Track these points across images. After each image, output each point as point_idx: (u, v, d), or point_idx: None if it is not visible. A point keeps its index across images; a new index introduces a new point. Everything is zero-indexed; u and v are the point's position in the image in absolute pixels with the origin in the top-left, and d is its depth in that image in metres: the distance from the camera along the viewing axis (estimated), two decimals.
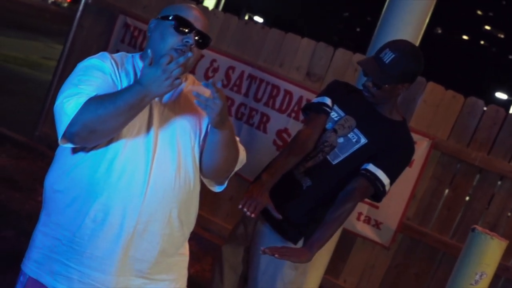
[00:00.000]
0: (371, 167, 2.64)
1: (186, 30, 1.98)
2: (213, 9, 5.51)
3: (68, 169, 1.96)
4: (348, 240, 4.46)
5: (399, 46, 2.63)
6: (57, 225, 1.97)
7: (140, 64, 2.05)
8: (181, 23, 1.98)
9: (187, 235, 2.17)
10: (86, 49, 5.78)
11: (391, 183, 2.68)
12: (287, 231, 2.73)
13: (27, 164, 5.43)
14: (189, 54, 1.78)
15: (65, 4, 37.90)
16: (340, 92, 2.81)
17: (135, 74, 2.02)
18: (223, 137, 1.97)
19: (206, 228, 5.04)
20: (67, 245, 1.94)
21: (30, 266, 2.01)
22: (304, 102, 4.64)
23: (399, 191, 4.14)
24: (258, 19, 29.30)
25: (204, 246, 4.80)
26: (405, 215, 4.35)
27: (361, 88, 2.76)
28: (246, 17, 24.48)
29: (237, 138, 2.14)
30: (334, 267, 4.40)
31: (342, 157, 2.69)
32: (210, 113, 1.87)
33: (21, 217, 4.30)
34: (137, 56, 2.09)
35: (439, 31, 44.77)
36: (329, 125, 2.75)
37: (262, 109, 4.83)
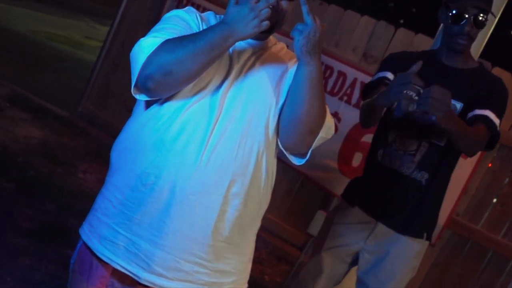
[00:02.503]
0: (477, 111, 2.42)
1: None
2: None
3: (134, 128, 1.84)
4: None
5: None
6: (113, 185, 1.83)
7: None
8: None
9: (253, 223, 1.92)
10: (135, 24, 5.68)
11: (500, 123, 2.47)
12: (415, 231, 2.60)
13: (68, 140, 5.36)
14: None
15: None
16: (403, 63, 2.50)
17: None
18: (307, 74, 1.74)
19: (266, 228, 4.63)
20: (118, 208, 1.79)
21: (85, 229, 1.88)
22: (357, 85, 4.43)
23: (451, 185, 3.90)
24: None
25: (265, 246, 4.62)
26: (455, 211, 4.07)
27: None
28: None
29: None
30: None
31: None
32: (297, 35, 1.72)
33: (63, 191, 4.23)
34: None
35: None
36: (411, 107, 2.46)
37: None
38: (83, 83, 6.14)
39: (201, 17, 1.89)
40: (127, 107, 5.35)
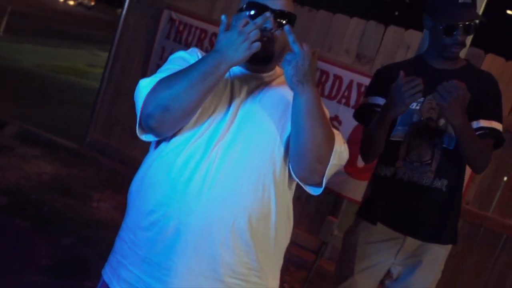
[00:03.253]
0: (483, 122, 2.47)
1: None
2: None
3: (143, 168, 1.86)
4: None
5: None
6: (127, 226, 1.86)
7: None
8: (256, 9, 1.79)
9: (269, 260, 1.85)
10: (132, 48, 5.80)
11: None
12: (445, 238, 2.61)
13: (79, 171, 5.45)
14: (267, 14, 1.67)
15: (92, 3, 38.52)
16: (392, 79, 2.45)
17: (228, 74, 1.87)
18: (303, 104, 1.70)
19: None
20: (131, 248, 1.81)
21: (106, 270, 1.91)
22: (354, 86, 4.50)
23: None
24: None
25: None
26: (464, 200, 4.10)
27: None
28: None
29: (336, 132, 1.83)
30: None
31: (454, 135, 2.47)
32: (286, 66, 1.69)
33: (78, 223, 4.29)
34: None
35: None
36: (415, 118, 2.53)
37: None
38: (89, 111, 6.26)
39: (202, 54, 1.89)
40: (133, 133, 5.40)
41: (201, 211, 1.70)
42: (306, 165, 1.76)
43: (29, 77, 10.14)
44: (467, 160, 2.50)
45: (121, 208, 4.58)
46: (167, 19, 5.51)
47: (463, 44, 2.45)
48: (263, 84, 1.87)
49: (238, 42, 1.63)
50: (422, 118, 2.52)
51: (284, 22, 1.80)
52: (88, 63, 13.56)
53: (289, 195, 1.87)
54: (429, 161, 2.52)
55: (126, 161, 5.62)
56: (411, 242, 2.60)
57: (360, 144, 2.65)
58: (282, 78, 1.89)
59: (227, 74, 1.82)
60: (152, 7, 5.68)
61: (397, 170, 2.56)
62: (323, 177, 1.78)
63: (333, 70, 4.65)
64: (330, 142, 1.75)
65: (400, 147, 2.55)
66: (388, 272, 2.68)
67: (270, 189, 1.77)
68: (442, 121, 2.49)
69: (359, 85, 4.48)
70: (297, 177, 1.82)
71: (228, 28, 1.68)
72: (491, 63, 4.18)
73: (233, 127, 1.77)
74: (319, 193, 1.85)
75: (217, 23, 5.19)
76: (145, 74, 5.55)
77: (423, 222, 2.56)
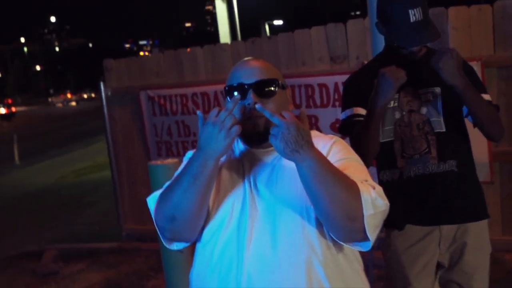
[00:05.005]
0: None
1: (241, 96, 1.74)
2: (218, 44, 5.47)
3: (194, 259, 1.85)
4: None
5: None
6: None
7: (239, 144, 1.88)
8: (234, 91, 1.77)
9: None
10: (127, 136, 5.95)
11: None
12: (476, 213, 2.58)
13: (127, 266, 5.51)
14: (237, 95, 1.66)
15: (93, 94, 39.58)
16: (365, 89, 2.50)
17: (239, 156, 1.85)
18: (307, 171, 1.59)
19: None
20: None
21: None
22: (340, 87, 4.51)
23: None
24: (278, 22, 29.05)
25: None
26: (491, 142, 4.03)
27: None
28: (266, 27, 24.34)
29: (359, 176, 1.69)
30: None
31: (442, 118, 2.50)
32: (273, 141, 1.59)
33: None
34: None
35: None
36: (397, 115, 2.54)
37: (306, 111, 4.69)
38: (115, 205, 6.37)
39: None
40: None
41: None
42: (340, 227, 1.64)
43: (56, 193, 10.38)
44: (482, 126, 2.47)
45: None
46: (146, 99, 5.65)
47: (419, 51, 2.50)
48: (276, 159, 1.78)
49: (216, 133, 1.61)
50: (404, 113, 2.52)
51: (266, 90, 1.77)
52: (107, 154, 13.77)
53: (345, 263, 1.75)
54: (427, 149, 2.51)
55: None
56: (447, 229, 2.57)
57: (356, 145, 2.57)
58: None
59: (238, 156, 1.83)
60: (128, 94, 5.83)
61: (401, 170, 2.55)
62: (365, 231, 1.62)
63: (315, 80, 4.69)
64: (352, 196, 1.60)
65: (394, 146, 2.55)
66: (438, 264, 2.63)
67: (311, 262, 1.68)
68: (424, 109, 2.50)
69: (344, 84, 4.46)
70: (340, 240, 1.69)
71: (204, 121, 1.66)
72: (456, 16, 4.19)
73: (256, 216, 1.71)
74: (369, 248, 1.68)
75: (189, 84, 5.32)
76: (149, 157, 5.69)
77: (449, 208, 2.52)
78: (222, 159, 1.76)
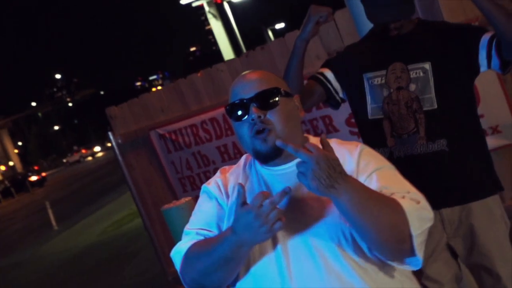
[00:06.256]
0: (486, 35, 2.34)
1: (244, 112, 1.69)
2: (214, 66, 5.34)
3: None
4: None
5: None
6: None
7: (258, 167, 1.78)
8: (236, 110, 1.71)
9: None
10: (148, 179, 5.84)
11: None
12: (477, 191, 2.45)
13: None
14: (286, 188, 1.48)
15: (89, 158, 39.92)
16: (343, 59, 2.63)
17: (257, 180, 1.77)
18: (347, 204, 1.49)
19: None
20: None
21: None
22: None
23: (488, 84, 3.69)
24: (280, 25, 29.27)
25: None
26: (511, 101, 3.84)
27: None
28: (270, 33, 24.46)
29: (406, 188, 1.65)
30: None
31: (432, 94, 2.39)
32: (304, 181, 1.47)
33: None
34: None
35: None
36: (385, 92, 2.46)
37: (318, 114, 4.53)
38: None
39: (222, 181, 1.81)
40: None
41: None
42: (391, 251, 1.58)
43: (97, 250, 10.35)
44: (500, 27, 2.19)
45: None
46: (158, 138, 5.54)
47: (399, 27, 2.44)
48: (294, 177, 1.62)
49: (256, 226, 1.47)
50: (391, 90, 2.44)
51: (267, 101, 1.69)
52: None
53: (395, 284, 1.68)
54: (415, 129, 2.42)
55: None
56: (448, 212, 2.46)
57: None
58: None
59: (259, 179, 1.77)
60: (138, 137, 5.75)
61: (392, 149, 2.47)
62: (415, 249, 1.56)
63: None
64: (398, 219, 1.52)
65: (383, 124, 2.48)
66: (451, 249, 2.52)
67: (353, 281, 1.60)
68: (413, 86, 2.41)
69: None
70: (390, 261, 1.62)
71: (244, 200, 1.51)
72: None
73: (290, 246, 1.64)
74: (419, 267, 1.62)
75: (196, 113, 5.20)
76: (175, 196, 5.56)
77: (445, 189, 2.40)
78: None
